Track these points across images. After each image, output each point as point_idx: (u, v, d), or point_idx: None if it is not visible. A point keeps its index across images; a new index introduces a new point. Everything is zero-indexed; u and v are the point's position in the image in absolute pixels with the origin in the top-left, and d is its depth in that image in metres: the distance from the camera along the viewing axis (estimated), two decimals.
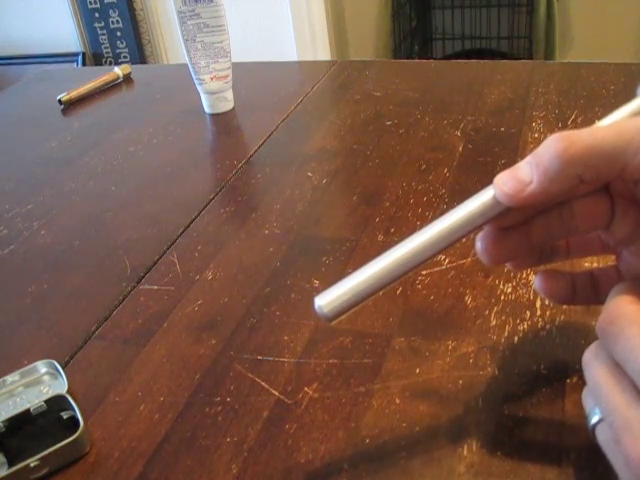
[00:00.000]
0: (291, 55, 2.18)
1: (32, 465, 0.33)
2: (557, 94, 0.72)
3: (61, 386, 0.38)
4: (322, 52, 2.17)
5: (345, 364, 0.39)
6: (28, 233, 0.58)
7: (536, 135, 0.63)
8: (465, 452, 0.33)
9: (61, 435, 0.35)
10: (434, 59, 2.61)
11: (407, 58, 2.62)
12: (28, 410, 0.36)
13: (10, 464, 0.34)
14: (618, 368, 0.26)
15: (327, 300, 0.27)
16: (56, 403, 0.37)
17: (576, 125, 0.64)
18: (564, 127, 0.64)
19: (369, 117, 0.72)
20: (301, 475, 0.33)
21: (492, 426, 0.34)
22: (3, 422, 0.36)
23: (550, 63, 0.85)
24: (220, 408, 0.37)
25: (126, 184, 0.65)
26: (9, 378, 0.39)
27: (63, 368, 0.39)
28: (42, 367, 0.40)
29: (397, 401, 0.36)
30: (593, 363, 0.27)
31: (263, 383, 0.38)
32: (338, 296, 0.27)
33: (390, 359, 0.39)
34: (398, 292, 0.44)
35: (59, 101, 0.86)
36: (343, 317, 0.27)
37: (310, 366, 0.39)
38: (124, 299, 0.47)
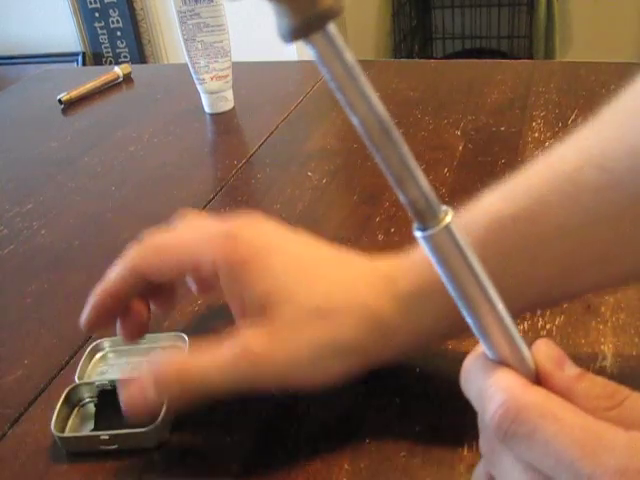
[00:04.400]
0: (291, 55, 2.17)
1: (101, 437, 0.35)
2: (557, 94, 0.72)
3: None
4: None
5: None
6: (28, 233, 0.58)
7: (536, 135, 0.63)
8: (465, 452, 0.33)
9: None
10: (434, 59, 2.60)
11: (407, 58, 2.62)
12: None
13: (97, 425, 0.36)
14: (538, 474, 0.21)
15: None
16: None
17: (576, 124, 0.64)
18: (564, 126, 0.64)
19: None
20: (301, 475, 0.33)
21: None
22: (110, 382, 0.37)
23: (550, 63, 0.85)
24: (220, 408, 0.37)
25: (126, 184, 0.65)
26: (151, 336, 0.40)
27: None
28: (177, 340, 0.41)
29: (397, 401, 0.36)
30: (502, 466, 0.23)
31: None
32: None
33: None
34: None
35: (59, 101, 0.86)
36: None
37: None
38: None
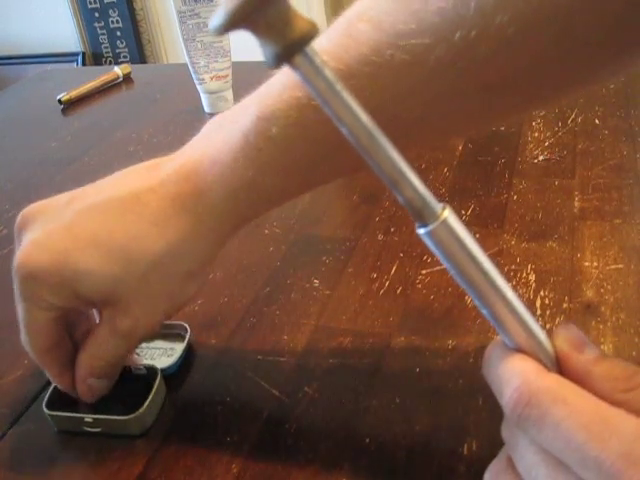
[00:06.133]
0: None
1: (85, 420, 0.36)
2: None
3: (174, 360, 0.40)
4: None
5: (345, 364, 0.39)
6: None
7: (536, 134, 0.63)
8: (465, 452, 0.33)
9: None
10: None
11: None
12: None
13: (91, 407, 0.38)
14: (550, 456, 0.22)
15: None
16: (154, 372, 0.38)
17: (576, 124, 0.64)
18: (564, 126, 0.64)
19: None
20: (301, 475, 0.33)
21: (492, 426, 0.34)
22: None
23: None
24: (220, 408, 0.37)
25: None
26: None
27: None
28: (180, 329, 0.42)
29: (397, 401, 0.36)
30: (518, 448, 0.23)
31: (263, 383, 0.38)
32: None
33: (390, 359, 0.39)
34: (398, 291, 0.44)
35: (59, 101, 0.86)
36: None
37: (310, 366, 0.39)
38: None
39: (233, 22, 0.19)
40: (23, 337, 0.36)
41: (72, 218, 0.34)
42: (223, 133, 0.35)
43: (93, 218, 0.34)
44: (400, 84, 0.30)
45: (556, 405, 0.21)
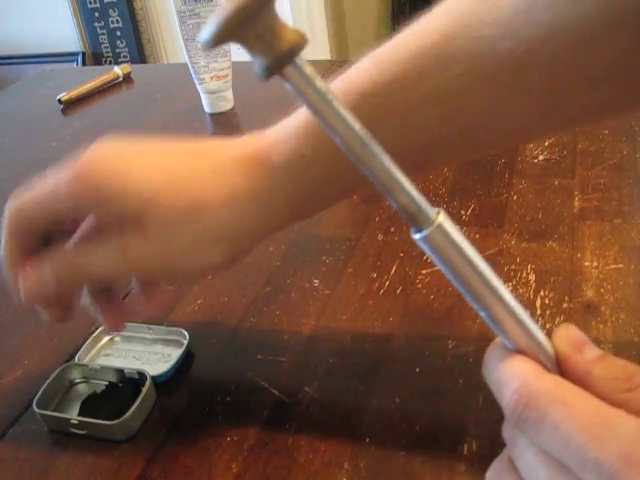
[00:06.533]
0: None
1: (71, 421, 0.36)
2: None
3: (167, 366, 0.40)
4: (322, 52, 2.17)
5: (345, 364, 0.39)
6: None
7: None
8: (465, 452, 0.33)
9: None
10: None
11: None
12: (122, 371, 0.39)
13: (81, 408, 0.38)
14: (550, 457, 0.22)
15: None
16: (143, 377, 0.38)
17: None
18: None
19: None
20: (301, 475, 0.33)
21: (492, 426, 0.34)
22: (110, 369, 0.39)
23: None
24: (220, 408, 0.37)
25: None
26: (157, 328, 0.43)
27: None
28: (178, 335, 0.42)
29: (397, 401, 0.36)
30: (518, 449, 0.23)
31: (263, 382, 0.38)
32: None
33: (390, 359, 0.39)
34: (398, 291, 0.44)
35: (59, 101, 0.86)
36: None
37: (310, 366, 0.39)
38: (124, 298, 0.47)
39: (221, 36, 0.19)
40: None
41: (145, 146, 0.34)
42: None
43: (167, 154, 0.34)
44: (467, 75, 0.30)
45: (555, 406, 0.21)
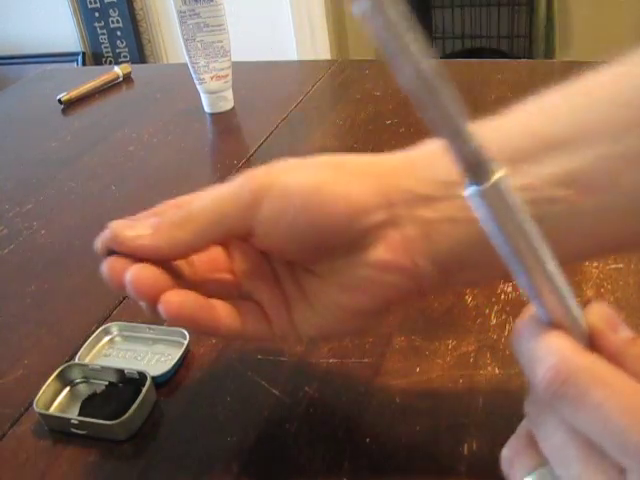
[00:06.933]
0: (291, 55, 2.17)
1: (71, 421, 0.36)
2: None
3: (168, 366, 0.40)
4: (322, 52, 2.17)
5: (345, 364, 0.39)
6: (28, 233, 0.58)
7: None
8: (465, 452, 0.33)
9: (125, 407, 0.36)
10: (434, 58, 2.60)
11: None
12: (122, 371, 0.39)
13: (82, 408, 0.38)
14: (582, 437, 0.21)
15: None
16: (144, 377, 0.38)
17: None
18: None
19: (369, 116, 0.72)
20: (301, 475, 0.33)
21: (492, 426, 0.34)
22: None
23: (550, 62, 0.85)
24: (220, 408, 0.37)
25: (126, 184, 0.65)
26: (158, 328, 0.42)
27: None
28: (179, 335, 0.42)
29: (397, 401, 0.36)
30: (546, 427, 0.22)
31: (263, 382, 0.38)
32: None
33: (390, 358, 0.39)
34: None
35: (59, 101, 0.86)
36: None
37: (310, 366, 0.39)
38: (124, 299, 0.47)
39: None
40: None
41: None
42: None
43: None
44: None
45: (596, 385, 0.20)
